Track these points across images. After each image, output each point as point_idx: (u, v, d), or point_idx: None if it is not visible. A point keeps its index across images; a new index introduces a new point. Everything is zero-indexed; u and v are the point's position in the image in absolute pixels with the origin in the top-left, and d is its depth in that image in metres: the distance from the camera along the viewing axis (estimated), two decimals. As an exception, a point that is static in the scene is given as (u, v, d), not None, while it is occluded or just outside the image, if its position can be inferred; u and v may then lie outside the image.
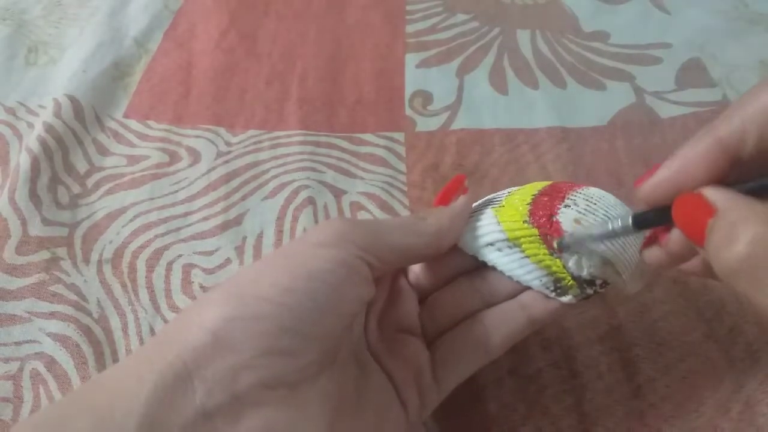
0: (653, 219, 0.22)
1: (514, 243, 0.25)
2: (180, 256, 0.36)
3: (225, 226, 0.37)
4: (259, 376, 0.19)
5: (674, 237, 0.22)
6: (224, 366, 0.19)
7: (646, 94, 0.46)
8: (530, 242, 0.25)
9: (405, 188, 0.40)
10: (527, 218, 0.25)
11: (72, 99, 0.44)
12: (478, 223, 0.27)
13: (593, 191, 0.26)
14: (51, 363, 0.31)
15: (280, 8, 0.56)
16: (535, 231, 0.25)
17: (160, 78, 0.48)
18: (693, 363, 0.30)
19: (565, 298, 0.25)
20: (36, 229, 0.36)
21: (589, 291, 0.25)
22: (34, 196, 0.38)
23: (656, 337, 0.31)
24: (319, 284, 0.21)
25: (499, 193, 0.29)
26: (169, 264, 0.35)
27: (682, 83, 0.47)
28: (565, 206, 0.25)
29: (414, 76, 0.48)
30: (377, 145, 0.43)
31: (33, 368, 0.31)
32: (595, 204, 0.25)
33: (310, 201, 0.38)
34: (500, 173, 0.40)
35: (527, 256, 0.25)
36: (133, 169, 0.41)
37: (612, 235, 0.23)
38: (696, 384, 0.29)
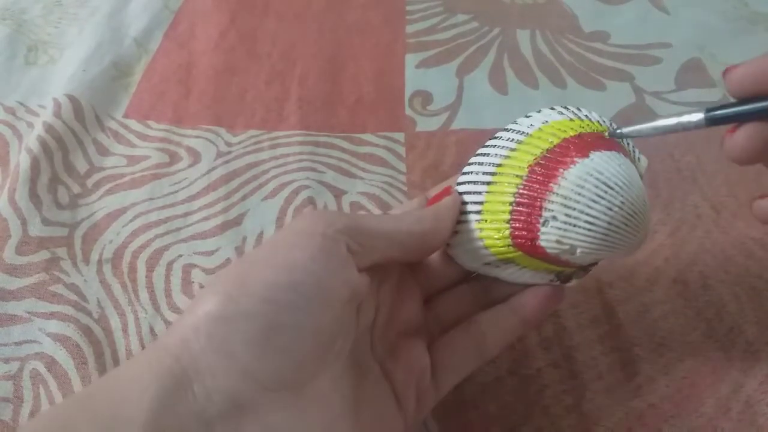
0: (730, 114, 0.22)
1: (507, 261, 0.26)
2: (180, 256, 0.36)
3: (225, 227, 0.37)
4: (257, 379, 0.19)
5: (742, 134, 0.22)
6: (222, 370, 0.19)
7: (646, 94, 0.46)
8: (522, 258, 0.25)
9: (405, 188, 0.40)
10: (510, 242, 0.25)
11: (72, 99, 0.44)
12: (469, 246, 0.26)
13: (570, 185, 0.23)
14: (51, 363, 0.31)
15: (280, 8, 0.56)
16: (522, 253, 0.25)
17: (160, 78, 0.48)
18: (693, 363, 0.30)
19: (569, 284, 0.27)
20: (36, 229, 0.36)
21: (589, 269, 0.27)
22: (34, 196, 0.38)
23: (656, 337, 0.31)
24: (302, 275, 0.21)
25: (487, 153, 0.27)
26: (169, 264, 0.35)
27: (682, 83, 0.47)
28: (544, 223, 0.24)
29: (414, 76, 0.48)
30: (377, 145, 0.43)
31: (33, 368, 0.31)
32: (573, 209, 0.23)
33: (310, 201, 0.38)
34: (500, 173, 0.40)
35: (524, 267, 0.26)
36: (133, 170, 0.41)
37: (680, 129, 0.23)
38: (696, 384, 0.29)
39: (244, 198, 0.39)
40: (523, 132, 0.26)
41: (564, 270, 0.26)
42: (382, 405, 0.24)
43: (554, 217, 0.24)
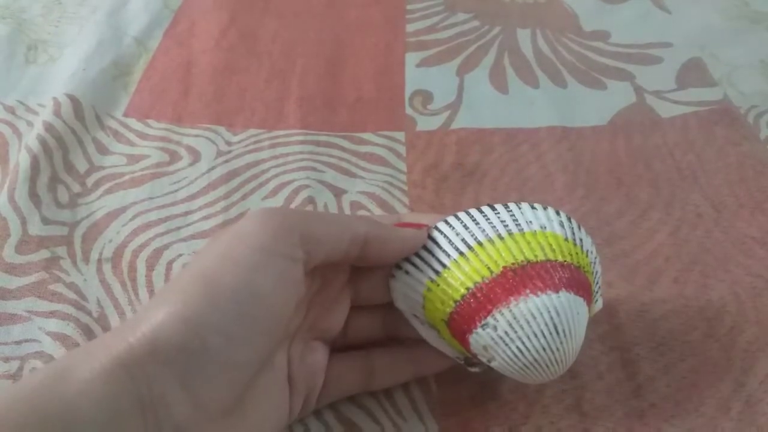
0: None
1: (433, 326, 0.26)
2: (180, 255, 0.36)
3: (225, 226, 0.37)
4: (206, 411, 0.20)
5: None
6: (176, 402, 0.19)
7: (647, 94, 0.46)
8: (447, 334, 0.26)
9: (405, 187, 0.40)
10: (446, 318, 0.25)
11: (72, 98, 0.44)
12: (409, 293, 0.26)
13: (527, 310, 0.24)
14: (51, 362, 0.31)
15: (280, 7, 0.56)
16: (449, 332, 0.26)
17: (160, 77, 0.48)
18: (693, 362, 0.30)
19: (473, 369, 0.27)
20: (36, 229, 0.36)
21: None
22: (33, 195, 0.38)
23: (656, 336, 0.31)
24: (262, 309, 0.21)
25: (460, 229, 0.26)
26: (169, 263, 0.35)
27: (683, 83, 0.47)
28: (483, 326, 0.24)
29: (414, 75, 0.48)
30: (377, 145, 0.43)
31: (33, 367, 0.31)
32: (515, 331, 0.24)
33: (310, 200, 0.38)
34: (500, 173, 0.40)
35: (443, 338, 0.26)
36: (133, 168, 0.41)
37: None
38: (696, 383, 0.29)
39: (244, 197, 0.39)
40: (519, 226, 0.26)
41: (473, 356, 0.26)
42: (277, 397, 0.24)
43: (495, 328, 0.24)
